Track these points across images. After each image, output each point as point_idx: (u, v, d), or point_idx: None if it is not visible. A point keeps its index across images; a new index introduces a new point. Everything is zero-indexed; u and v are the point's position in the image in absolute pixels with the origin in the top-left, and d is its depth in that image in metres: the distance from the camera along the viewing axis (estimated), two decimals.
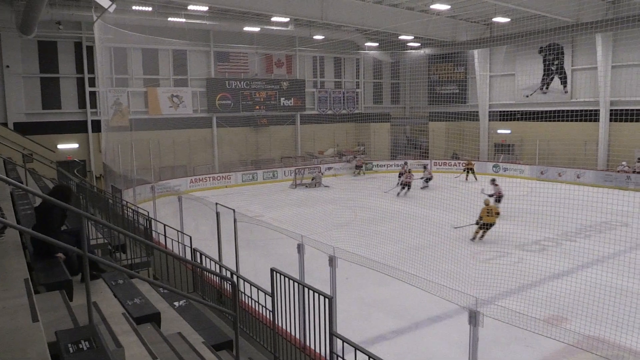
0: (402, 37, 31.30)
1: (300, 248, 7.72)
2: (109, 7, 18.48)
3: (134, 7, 23.91)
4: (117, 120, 27.22)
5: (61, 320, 4.00)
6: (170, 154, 29.71)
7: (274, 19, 27.07)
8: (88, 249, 4.08)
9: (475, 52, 33.99)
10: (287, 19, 28.00)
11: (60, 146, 26.49)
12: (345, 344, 5.56)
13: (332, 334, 5.75)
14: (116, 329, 4.41)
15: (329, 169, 32.14)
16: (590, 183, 26.01)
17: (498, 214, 16.31)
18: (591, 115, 28.52)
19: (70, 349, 3.31)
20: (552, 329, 8.17)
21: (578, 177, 27.51)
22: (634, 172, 25.87)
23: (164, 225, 11.70)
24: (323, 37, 31.36)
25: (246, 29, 28.73)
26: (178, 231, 11.61)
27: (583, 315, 9.59)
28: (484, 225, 15.97)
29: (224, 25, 28.79)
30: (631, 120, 25.83)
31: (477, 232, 16.15)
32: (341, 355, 5.75)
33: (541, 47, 31.02)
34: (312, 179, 29.04)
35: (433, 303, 9.28)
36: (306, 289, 6.16)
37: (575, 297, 10.38)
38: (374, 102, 39.72)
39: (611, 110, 28.13)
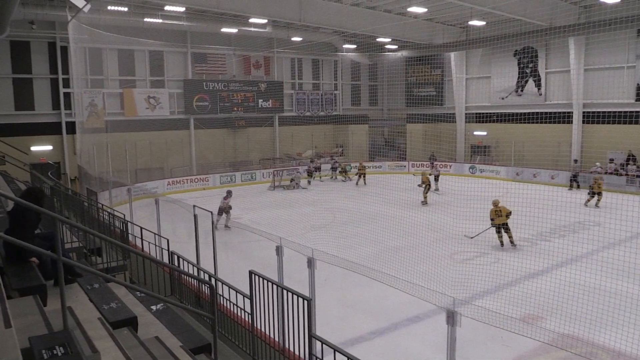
0: (379, 40, 31.52)
1: (279, 250, 7.71)
2: (84, 6, 18.19)
3: (109, 7, 23.61)
4: (92, 121, 26.82)
5: (35, 326, 3.93)
6: (147, 156, 29.38)
7: (251, 20, 27.00)
8: (62, 252, 4.01)
9: (452, 54, 34.39)
10: (265, 21, 27.94)
11: (33, 148, 25.97)
12: (324, 345, 5.57)
13: (311, 336, 5.76)
14: (92, 334, 4.34)
15: (316, 170, 31.78)
16: (564, 184, 26.50)
17: (509, 213, 15.45)
18: (565, 117, 29.03)
19: (45, 355, 3.25)
20: (528, 327, 8.29)
21: (552, 178, 28.01)
22: (606, 173, 26.41)
23: (141, 228, 11.56)
24: (301, 38, 31.38)
25: (224, 30, 28.59)
26: (155, 234, 11.50)
27: (558, 314, 9.78)
28: (498, 227, 15.45)
29: (201, 26, 28.60)
30: (603, 122, 26.39)
31: (500, 237, 15.55)
32: (320, 357, 5.76)
33: (516, 50, 31.55)
34: (291, 181, 29.01)
35: (412, 304, 9.35)
36: (285, 291, 6.15)
37: (551, 296, 10.58)
38: (352, 103, 39.88)
39: (584, 112, 28.71)
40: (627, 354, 8.38)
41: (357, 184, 29.51)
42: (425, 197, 22.73)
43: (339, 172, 32.01)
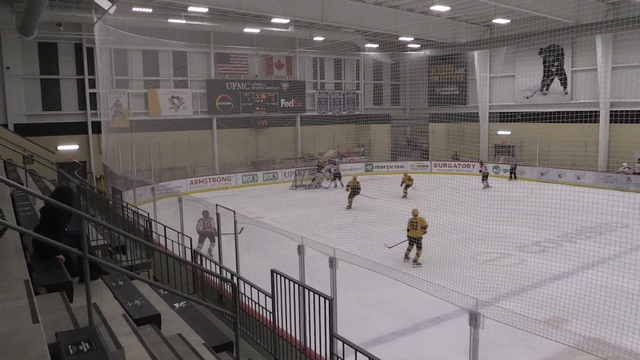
0: (402, 39, 31.31)
1: (300, 249, 7.72)
2: (109, 8, 18.48)
3: (134, 9, 23.93)
4: (117, 121, 27.25)
5: (61, 322, 3.99)
6: (171, 155, 29.72)
7: (274, 20, 27.09)
8: (88, 250, 4.07)
9: (475, 53, 34.01)
10: (287, 21, 28.01)
11: (60, 147, 26.50)
12: (345, 345, 5.56)
13: (333, 336, 5.75)
14: (116, 330, 4.41)
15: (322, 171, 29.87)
16: (590, 184, 26.00)
17: (424, 227, 13.66)
18: (591, 117, 28.49)
19: (71, 350, 3.31)
20: (552, 330, 8.16)
21: (578, 179, 27.50)
22: (634, 173, 25.86)
23: (164, 226, 11.69)
24: (323, 38, 31.37)
25: (246, 30, 28.75)
26: (178, 232, 11.61)
27: (583, 317, 9.59)
28: (411, 240, 13.78)
29: (224, 26, 28.82)
30: (631, 122, 25.84)
31: (409, 251, 13.97)
32: (341, 356, 5.75)
33: (541, 49, 31.04)
34: (313, 180, 29.01)
35: (433, 304, 9.29)
36: (306, 291, 6.16)
37: (576, 298, 10.38)
38: (374, 103, 39.73)
39: (611, 111, 28.13)
40: None
41: (404, 196, 24.73)
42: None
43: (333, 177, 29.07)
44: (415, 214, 13.91)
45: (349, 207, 22.25)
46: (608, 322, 9.15)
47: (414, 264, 13.70)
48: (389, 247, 14.25)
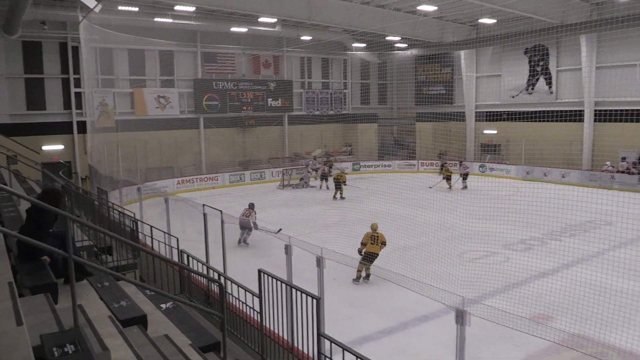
0: (389, 38, 31.41)
1: (287, 249, 7.72)
2: (95, 7, 18.31)
3: (120, 7, 23.71)
4: (103, 121, 27.00)
5: (46, 324, 3.96)
6: (157, 155, 29.53)
7: (261, 19, 27.03)
8: (73, 251, 4.04)
9: (462, 53, 34.22)
10: (275, 20, 27.95)
11: (45, 147, 26.21)
12: (333, 344, 5.57)
13: (320, 335, 5.76)
14: (102, 332, 4.38)
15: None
16: (575, 183, 26.30)
17: (384, 243, 12.50)
18: (576, 116, 28.84)
19: (56, 352, 3.29)
20: (538, 327, 8.24)
21: (563, 177, 27.80)
22: (618, 171, 26.21)
23: (151, 226, 11.62)
24: (310, 37, 31.36)
25: (233, 29, 28.65)
26: (165, 233, 11.56)
27: (569, 314, 9.71)
28: (367, 255, 12.21)
29: (211, 25, 28.69)
30: (615, 121, 26.16)
31: (365, 267, 12.31)
32: (329, 355, 5.76)
33: (527, 48, 31.33)
34: (300, 180, 29.00)
35: (421, 303, 9.32)
36: (294, 290, 6.17)
37: (561, 295, 10.51)
38: (362, 102, 39.81)
39: (595, 110, 28.46)
40: (638, 354, 8.30)
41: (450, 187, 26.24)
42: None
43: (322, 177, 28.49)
44: (374, 228, 12.69)
45: (336, 196, 24.31)
46: (592, 319, 9.28)
47: (365, 279, 12.46)
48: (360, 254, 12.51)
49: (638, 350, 8.31)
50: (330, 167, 29.11)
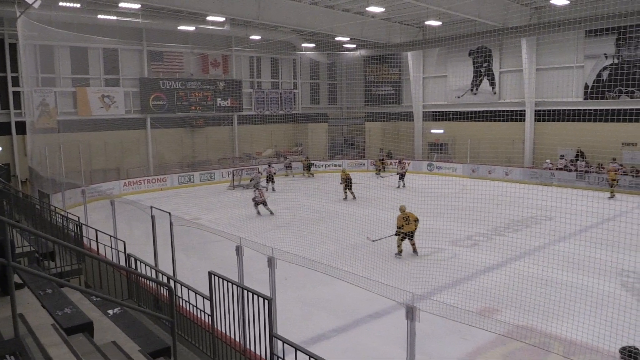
0: (338, 39, 31.66)
1: (238, 250, 7.66)
2: (34, 2, 17.54)
3: (61, 3, 22.80)
4: (43, 121, 25.93)
5: None
6: (102, 157, 28.66)
7: (209, 18, 26.65)
8: (12, 258, 3.87)
9: (409, 54, 34.90)
10: (223, 19, 27.65)
11: None
12: (285, 344, 5.57)
13: (273, 336, 5.75)
14: (45, 341, 4.22)
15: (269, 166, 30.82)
16: (517, 180, 27.32)
17: (417, 220, 14.42)
18: (518, 116, 30.01)
19: None
20: (484, 320, 8.51)
21: (506, 175, 28.81)
22: (557, 169, 27.40)
23: (96, 230, 11.26)
24: (260, 37, 31.21)
25: (181, 28, 28.15)
26: (111, 236, 11.22)
27: (513, 306, 10.09)
28: (406, 235, 14.29)
29: (158, 23, 28.04)
30: (554, 120, 27.36)
31: (400, 245, 14.40)
32: (282, 356, 5.76)
33: (471, 50, 32.30)
34: (251, 180, 28.81)
35: (372, 300, 9.45)
36: (245, 291, 6.12)
37: (506, 288, 10.90)
38: (312, 102, 39.95)
39: (536, 110, 29.67)
40: (579, 343, 8.71)
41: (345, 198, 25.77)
42: (345, 194, 23.82)
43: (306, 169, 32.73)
44: (403, 210, 14.54)
45: (346, 198, 23.86)
46: (536, 310, 9.67)
47: (414, 253, 14.44)
48: (373, 241, 14.80)
49: (578, 339, 8.72)
50: (289, 167, 32.45)
